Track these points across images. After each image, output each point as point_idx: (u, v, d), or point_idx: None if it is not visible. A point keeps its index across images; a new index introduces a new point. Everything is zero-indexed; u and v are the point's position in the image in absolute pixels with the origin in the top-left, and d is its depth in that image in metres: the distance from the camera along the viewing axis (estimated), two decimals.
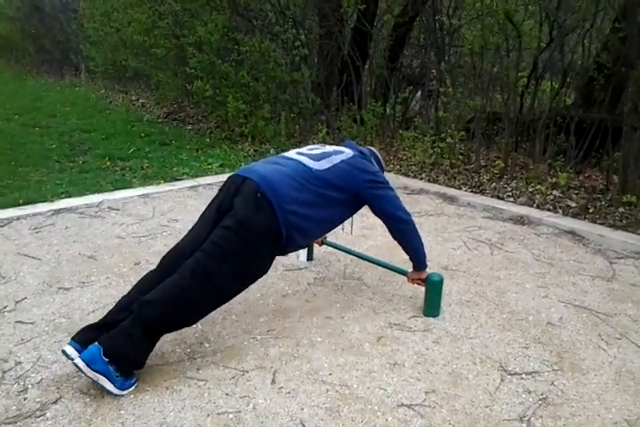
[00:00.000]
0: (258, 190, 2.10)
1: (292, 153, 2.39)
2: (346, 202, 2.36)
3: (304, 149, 2.42)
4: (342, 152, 2.42)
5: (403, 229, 2.45)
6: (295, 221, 2.16)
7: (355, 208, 2.47)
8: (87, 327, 2.05)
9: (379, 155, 2.66)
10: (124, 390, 1.91)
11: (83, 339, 1.98)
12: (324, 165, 2.29)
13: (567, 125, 4.70)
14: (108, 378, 1.87)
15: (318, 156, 2.33)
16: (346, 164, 2.34)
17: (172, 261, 2.14)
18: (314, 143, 5.85)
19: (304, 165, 2.27)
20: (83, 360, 1.85)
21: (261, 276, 2.22)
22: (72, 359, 1.90)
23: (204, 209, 2.28)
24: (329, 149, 2.43)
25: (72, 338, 2.01)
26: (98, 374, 1.85)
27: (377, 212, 2.44)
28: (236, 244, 2.05)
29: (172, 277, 2.02)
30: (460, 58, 6.09)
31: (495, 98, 5.31)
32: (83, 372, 1.85)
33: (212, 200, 2.27)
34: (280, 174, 2.18)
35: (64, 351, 1.95)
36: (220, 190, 2.27)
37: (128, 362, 1.95)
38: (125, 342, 1.91)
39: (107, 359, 1.87)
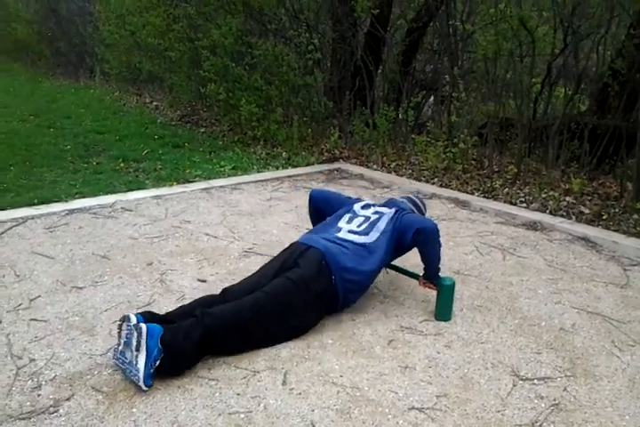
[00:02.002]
0: (323, 259, 2.36)
1: (345, 233, 2.56)
2: (393, 246, 2.58)
3: (353, 227, 2.59)
4: (383, 214, 2.63)
5: (427, 243, 2.57)
6: (352, 287, 2.44)
7: (400, 250, 2.67)
8: (149, 312, 2.18)
9: (417, 200, 2.94)
10: (145, 384, 1.91)
11: (145, 317, 2.06)
12: (374, 236, 2.54)
13: (581, 132, 4.67)
14: (147, 357, 1.90)
15: (367, 229, 2.56)
16: (392, 226, 2.56)
17: (232, 293, 2.31)
18: (326, 147, 5.88)
19: (358, 244, 2.49)
20: (147, 327, 1.91)
21: (303, 333, 2.34)
22: (130, 323, 1.96)
23: (260, 267, 2.52)
24: (372, 216, 2.64)
25: (137, 313, 2.08)
26: (145, 348, 1.89)
27: (411, 233, 2.55)
28: (294, 296, 2.27)
29: (234, 304, 2.19)
30: (474, 63, 6.07)
31: (508, 104, 5.29)
32: (139, 337, 1.89)
33: (274, 257, 2.52)
34: (341, 251, 2.42)
35: (127, 317, 2.00)
36: (283, 251, 2.53)
37: (175, 358, 1.98)
38: (183, 338, 2.00)
39: (160, 346, 1.92)
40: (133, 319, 1.99)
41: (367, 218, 2.63)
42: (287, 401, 1.92)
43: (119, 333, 2.01)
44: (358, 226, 2.59)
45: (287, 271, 2.33)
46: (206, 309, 2.13)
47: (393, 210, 2.65)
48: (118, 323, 2.05)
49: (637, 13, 4.57)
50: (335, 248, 2.42)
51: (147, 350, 1.90)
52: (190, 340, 2.01)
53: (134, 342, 1.91)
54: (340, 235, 2.54)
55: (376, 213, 2.66)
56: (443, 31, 5.97)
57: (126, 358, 1.94)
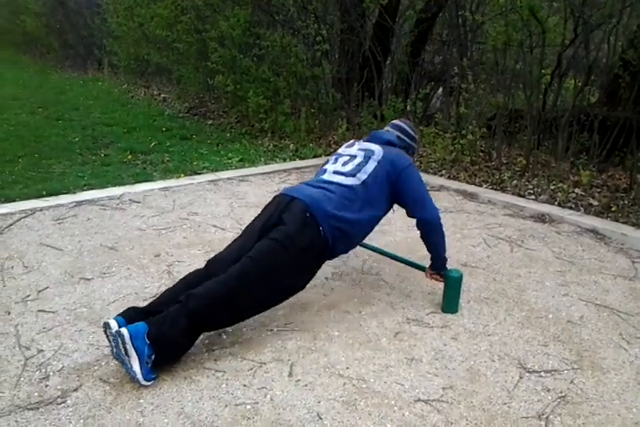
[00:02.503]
0: (307, 210, 2.24)
1: (330, 174, 2.47)
2: (386, 197, 2.47)
3: (339, 166, 2.50)
4: (372, 152, 2.50)
5: (430, 234, 2.52)
6: (341, 235, 2.32)
7: (392, 202, 2.55)
8: (132, 308, 2.12)
9: (405, 126, 2.74)
10: (146, 380, 1.92)
11: (128, 316, 2.03)
12: (361, 177, 2.41)
13: (591, 123, 4.63)
14: (139, 359, 1.89)
15: (354, 170, 2.44)
16: (379, 165, 2.44)
17: (217, 264, 2.23)
18: (334, 139, 5.86)
19: (344, 185, 2.38)
20: (128, 331, 1.88)
21: (300, 290, 2.31)
22: (111, 330, 1.93)
23: (248, 223, 2.42)
24: (359, 156, 2.50)
25: (117, 315, 2.06)
26: (133, 351, 1.87)
27: (409, 210, 2.50)
28: (281, 255, 2.17)
29: (219, 278, 2.10)
30: (483, 54, 6.02)
31: (518, 95, 5.25)
32: (123, 343, 1.86)
33: (258, 215, 2.40)
34: (326, 197, 2.31)
35: (107, 324, 1.97)
36: (265, 207, 2.42)
37: (167, 349, 1.97)
38: (170, 327, 1.96)
39: (148, 342, 1.90)
40: (114, 325, 1.95)
41: (352, 157, 2.51)
42: (293, 393, 1.92)
43: (107, 338, 1.97)
44: (344, 164, 2.48)
45: (271, 230, 2.23)
46: (190, 290, 2.06)
47: (380, 151, 2.50)
48: (102, 330, 2.01)
49: None
50: (320, 194, 2.31)
51: (137, 353, 1.88)
52: (177, 327, 1.97)
53: (122, 349, 1.87)
54: (326, 177, 2.45)
55: (361, 149, 2.54)
56: (452, 22, 5.92)
57: (122, 360, 1.92)
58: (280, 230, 2.21)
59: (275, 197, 2.42)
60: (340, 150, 2.66)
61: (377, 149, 2.51)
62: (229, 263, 2.16)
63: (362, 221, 2.40)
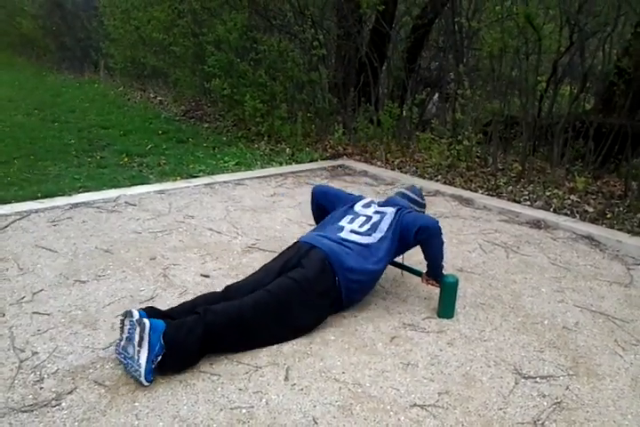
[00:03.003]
0: (326, 259, 2.35)
1: (347, 233, 2.55)
2: (397, 240, 2.57)
3: (355, 226, 2.59)
4: (385, 214, 2.62)
5: (429, 241, 2.56)
6: (356, 287, 2.44)
7: (403, 240, 2.61)
8: (151, 307, 2.16)
9: (415, 197, 2.91)
10: (146, 378, 1.91)
11: (147, 313, 2.05)
12: (377, 236, 2.53)
13: (586, 130, 4.66)
14: (149, 353, 1.89)
15: (369, 231, 2.55)
16: (394, 226, 2.56)
17: (234, 291, 2.31)
18: (330, 144, 5.87)
19: (361, 244, 2.49)
20: (150, 323, 1.91)
21: (306, 332, 2.33)
22: (132, 318, 1.95)
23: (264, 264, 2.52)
24: (374, 216, 2.63)
25: (139, 309, 2.07)
26: (147, 343, 1.89)
27: (414, 231, 2.54)
28: (297, 295, 2.25)
29: (236, 302, 2.18)
30: (479, 61, 6.06)
31: (513, 101, 5.28)
32: (141, 332, 1.89)
33: (276, 257, 2.52)
34: (344, 252, 2.42)
35: (130, 312, 2.00)
36: (285, 250, 2.53)
37: (178, 354, 1.98)
38: (186, 334, 2.00)
39: (162, 342, 1.92)
40: (136, 315, 1.98)
41: (369, 218, 2.63)
42: (289, 397, 1.92)
43: (121, 328, 2.00)
44: (360, 226, 2.58)
45: (290, 271, 2.33)
46: (208, 306, 2.13)
47: (394, 209, 2.65)
48: (121, 318, 2.04)
49: None
50: (338, 248, 2.42)
51: (149, 346, 1.89)
52: (193, 336, 2.00)
53: (137, 338, 1.90)
54: (343, 235, 2.53)
55: (377, 212, 2.66)
56: (448, 28, 5.96)
57: (128, 353, 1.93)
58: (299, 272, 2.31)
59: (295, 243, 2.54)
60: (356, 208, 2.74)
61: (390, 211, 2.64)
62: (245, 293, 2.24)
63: (377, 271, 2.52)
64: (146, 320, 1.92)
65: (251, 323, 2.15)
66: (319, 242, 2.44)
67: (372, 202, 2.78)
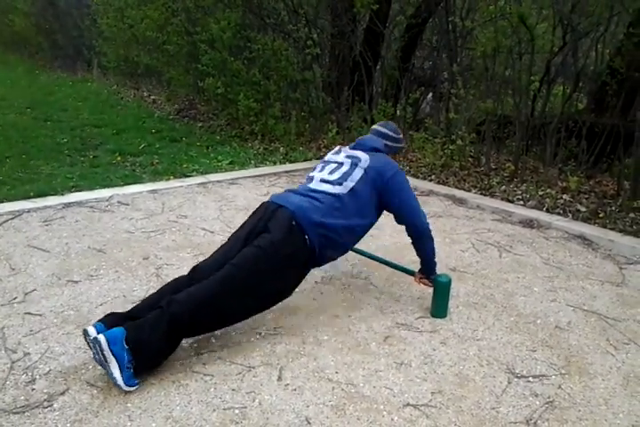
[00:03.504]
0: (292, 218, 2.24)
1: (317, 182, 2.46)
2: (374, 205, 2.47)
3: (325, 174, 2.49)
4: (359, 160, 2.48)
5: (419, 240, 2.52)
6: (328, 243, 2.32)
7: (381, 209, 2.54)
8: (112, 314, 2.11)
9: (388, 132, 2.70)
10: (128, 385, 1.89)
11: (107, 322, 2.01)
12: (348, 185, 2.40)
13: (579, 130, 4.68)
14: (119, 364, 1.87)
15: (340, 179, 2.42)
16: (366, 173, 2.43)
17: (202, 271, 2.22)
18: (324, 143, 5.86)
19: (332, 194, 2.37)
20: (105, 337, 1.86)
21: (286, 297, 2.31)
22: (90, 337, 1.91)
23: (235, 229, 2.43)
24: (346, 163, 2.50)
25: (97, 321, 2.04)
26: (112, 356, 1.85)
27: (398, 218, 2.51)
28: (265, 262, 2.16)
29: (201, 283, 2.10)
30: (473, 60, 6.06)
31: (507, 101, 5.29)
32: (100, 349, 1.84)
33: (245, 222, 2.41)
34: (313, 205, 2.31)
35: (85, 331, 1.95)
36: (253, 213, 2.42)
37: (147, 353, 1.95)
38: (150, 332, 1.95)
39: (127, 347, 1.88)
40: (92, 332, 1.93)
41: (339, 164, 2.50)
42: (282, 397, 1.92)
43: (87, 344, 1.97)
44: (330, 173, 2.47)
45: (256, 237, 2.23)
46: (172, 295, 2.05)
47: (367, 158, 2.48)
48: (83, 337, 2.00)
49: (637, 12, 4.57)
50: (307, 202, 2.31)
51: (116, 359, 1.86)
52: (157, 331, 1.95)
53: (100, 356, 1.86)
54: (313, 185, 2.44)
55: (348, 157, 2.53)
56: (442, 28, 5.96)
57: (104, 368, 1.90)
58: (264, 238, 2.21)
59: (261, 204, 2.42)
60: (326, 157, 2.66)
61: (363, 157, 2.49)
62: (213, 270, 2.16)
63: (350, 229, 2.39)
64: (100, 336, 1.86)
65: (222, 301, 2.08)
66: (286, 200, 2.34)
67: (341, 148, 2.66)
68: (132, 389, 1.90)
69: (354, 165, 2.47)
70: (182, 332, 2.06)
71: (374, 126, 2.76)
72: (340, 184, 2.40)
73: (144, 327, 1.96)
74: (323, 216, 2.28)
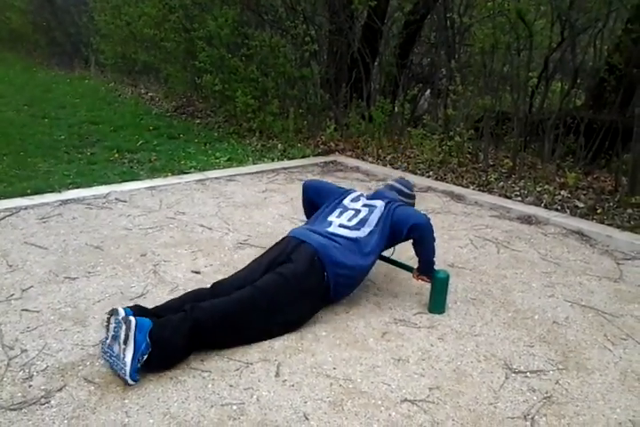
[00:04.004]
0: (315, 254, 2.34)
1: (335, 227, 2.54)
2: (387, 236, 2.57)
3: (344, 220, 2.58)
4: (375, 207, 2.61)
5: (421, 239, 2.56)
6: (343, 281, 2.42)
7: (393, 237, 2.60)
8: (138, 306, 2.16)
9: (403, 188, 2.88)
10: (131, 377, 1.89)
11: (134, 311, 2.04)
12: (366, 230, 2.53)
13: (577, 126, 4.68)
14: (134, 352, 1.88)
15: (358, 225, 2.55)
16: (381, 214, 2.57)
17: (222, 287, 2.30)
18: (322, 140, 5.86)
19: (350, 238, 2.49)
20: (136, 321, 1.90)
21: (295, 328, 2.33)
22: (118, 316, 1.94)
23: (253, 259, 2.52)
24: (363, 211, 2.61)
25: (125, 307, 2.06)
26: (133, 342, 1.88)
27: (404, 231, 2.54)
28: (285, 291, 2.25)
29: (223, 298, 2.17)
30: (471, 57, 6.06)
31: (505, 97, 5.28)
32: (127, 330, 1.87)
33: (265, 251, 2.51)
34: (333, 246, 2.41)
35: (115, 310, 1.98)
36: (274, 245, 2.52)
37: (164, 352, 1.97)
38: (172, 332, 2.00)
39: (148, 340, 1.91)
40: (122, 313, 1.97)
41: (357, 211, 2.62)
42: (280, 393, 1.92)
43: (107, 326, 1.99)
44: (349, 220, 2.58)
45: (279, 266, 2.32)
46: (196, 302, 2.12)
47: (383, 203, 2.63)
48: (107, 316, 2.03)
49: (635, 8, 4.56)
50: (327, 243, 2.41)
51: (134, 344, 1.88)
52: (179, 334, 2.00)
53: (122, 336, 1.88)
54: (331, 229, 2.52)
55: (366, 206, 2.65)
56: (440, 24, 5.96)
57: (113, 352, 1.91)
58: (288, 268, 2.30)
59: (284, 238, 2.53)
60: (345, 202, 2.72)
61: (379, 204, 2.63)
62: (234, 289, 2.23)
63: (366, 266, 2.51)
64: (132, 318, 1.91)
65: (238, 319, 2.15)
66: (308, 237, 2.44)
67: (360, 195, 2.77)
68: (131, 382, 1.89)
69: (371, 211, 2.60)
70: (200, 338, 2.08)
71: (391, 182, 2.96)
72: (358, 229, 2.53)
73: (167, 327, 2.00)
74: (342, 257, 2.39)
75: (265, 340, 2.23)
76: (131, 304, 2.18)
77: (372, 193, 2.82)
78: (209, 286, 2.38)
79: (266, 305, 2.20)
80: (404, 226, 2.48)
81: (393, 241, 2.61)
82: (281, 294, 2.23)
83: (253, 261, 2.49)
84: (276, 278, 2.26)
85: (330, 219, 2.61)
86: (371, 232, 2.52)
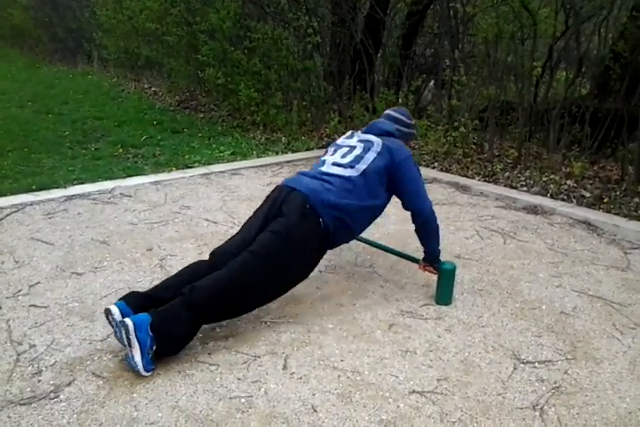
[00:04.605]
0: (306, 202, 2.25)
1: (328, 166, 2.46)
2: (385, 188, 2.47)
3: (337, 157, 2.49)
4: (372, 144, 2.48)
5: (424, 226, 2.52)
6: (341, 225, 2.33)
7: (391, 192, 2.53)
8: (132, 293, 2.14)
9: (401, 117, 2.72)
10: (146, 371, 1.91)
11: (128, 301, 2.04)
12: (360, 168, 2.40)
13: (582, 115, 4.64)
14: (141, 350, 1.89)
15: (352, 162, 2.42)
16: (378, 155, 2.43)
17: (219, 257, 2.24)
18: (326, 132, 5.84)
19: (343, 176, 2.38)
20: (132, 322, 1.88)
21: (302, 280, 2.33)
22: (114, 316, 1.94)
23: (250, 215, 2.43)
24: (358, 147, 2.49)
25: (118, 299, 2.07)
26: (136, 342, 1.88)
27: (404, 203, 2.51)
28: (282, 248, 2.18)
29: (221, 271, 2.12)
30: (474, 46, 6.01)
31: (509, 87, 5.25)
32: (127, 333, 1.87)
33: (259, 207, 2.41)
34: (325, 188, 2.32)
35: (108, 310, 1.98)
36: (267, 198, 2.42)
37: (169, 340, 1.98)
38: (173, 320, 1.98)
39: (151, 334, 1.90)
40: (116, 313, 1.96)
41: (352, 148, 2.50)
42: (288, 386, 1.92)
43: (109, 323, 2.01)
44: (342, 156, 2.47)
45: (271, 222, 2.25)
46: (193, 283, 2.07)
47: (380, 142, 2.48)
48: (104, 315, 2.03)
49: None
50: (319, 185, 2.32)
51: (139, 344, 1.88)
52: (180, 319, 1.99)
53: (125, 339, 1.88)
54: (324, 168, 2.44)
55: (361, 141, 2.53)
56: (443, 14, 5.91)
57: (124, 347, 1.93)
58: (280, 222, 2.22)
59: (275, 188, 2.43)
60: (338, 141, 2.65)
61: (376, 141, 2.49)
62: (231, 256, 2.18)
63: (362, 209, 2.39)
64: (128, 321, 1.88)
65: (240, 289, 2.10)
66: (299, 183, 2.35)
67: (354, 132, 2.67)
68: (147, 374, 1.91)
69: (367, 148, 2.47)
70: (203, 319, 2.09)
71: (387, 111, 2.78)
72: (352, 167, 2.40)
73: (168, 316, 1.98)
74: (335, 197, 2.29)
75: (274, 299, 2.27)
76: (122, 297, 2.13)
77: (368, 125, 2.68)
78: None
79: (265, 267, 2.14)
80: (405, 198, 2.47)
81: (390, 190, 2.51)
82: (278, 252, 2.17)
83: (249, 218, 2.41)
84: (269, 237, 2.19)
85: (323, 158, 2.54)
86: (365, 171, 2.39)
